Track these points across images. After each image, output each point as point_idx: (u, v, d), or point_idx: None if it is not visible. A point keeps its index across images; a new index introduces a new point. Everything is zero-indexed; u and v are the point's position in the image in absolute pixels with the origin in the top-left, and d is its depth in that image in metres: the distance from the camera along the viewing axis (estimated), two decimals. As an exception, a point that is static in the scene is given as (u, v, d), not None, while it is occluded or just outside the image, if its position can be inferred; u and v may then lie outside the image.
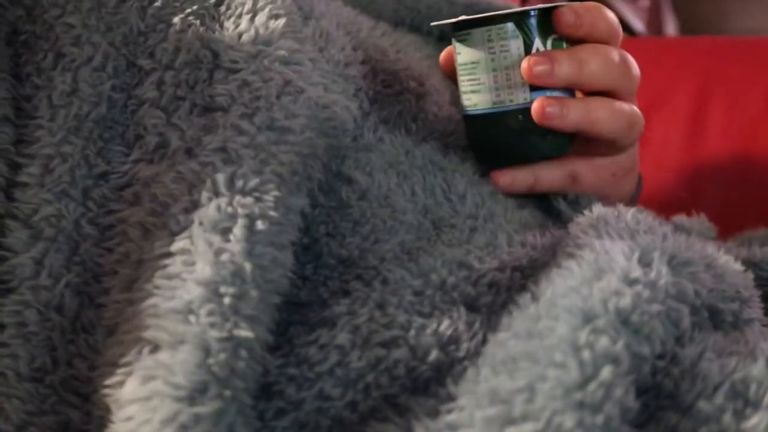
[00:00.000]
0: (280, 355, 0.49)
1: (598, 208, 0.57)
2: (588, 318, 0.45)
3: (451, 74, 0.64)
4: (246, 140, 0.52)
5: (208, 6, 0.58)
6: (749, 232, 0.76)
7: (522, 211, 0.61)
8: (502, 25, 0.60)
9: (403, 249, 0.54)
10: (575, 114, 0.60)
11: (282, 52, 0.56)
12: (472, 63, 0.61)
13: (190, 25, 0.57)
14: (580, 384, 0.43)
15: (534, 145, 0.62)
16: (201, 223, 0.49)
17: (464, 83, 0.62)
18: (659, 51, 1.08)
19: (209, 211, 0.49)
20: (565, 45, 0.61)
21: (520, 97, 0.60)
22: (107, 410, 0.46)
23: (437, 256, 0.54)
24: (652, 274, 0.49)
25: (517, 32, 0.60)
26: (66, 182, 0.53)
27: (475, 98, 0.62)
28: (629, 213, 0.56)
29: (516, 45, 0.60)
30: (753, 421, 0.44)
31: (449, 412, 0.45)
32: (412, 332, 0.49)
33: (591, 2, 0.62)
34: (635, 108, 0.63)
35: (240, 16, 0.58)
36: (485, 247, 0.55)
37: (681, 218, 0.73)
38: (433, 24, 0.66)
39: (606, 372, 0.43)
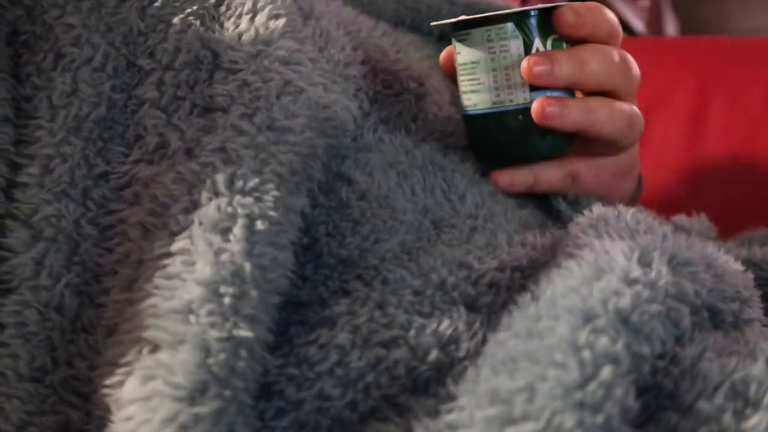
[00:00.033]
0: (280, 355, 0.49)
1: (598, 208, 0.57)
2: (588, 318, 0.45)
3: (451, 74, 0.64)
4: (246, 140, 0.52)
5: (208, 6, 0.58)
6: (749, 232, 0.76)
7: (522, 211, 0.61)
8: (502, 25, 0.60)
9: (403, 249, 0.54)
10: (575, 114, 0.60)
11: (282, 52, 0.56)
12: (472, 63, 0.61)
13: (190, 26, 0.57)
14: (580, 384, 0.43)
15: (534, 145, 0.62)
16: (201, 223, 0.49)
17: (464, 83, 0.62)
18: (659, 51, 1.08)
19: (209, 211, 0.49)
20: (565, 45, 0.61)
21: (520, 97, 0.60)
22: (107, 410, 0.46)
23: (437, 256, 0.54)
24: (652, 274, 0.49)
25: (517, 32, 0.60)
26: (66, 182, 0.53)
27: (475, 98, 0.62)
28: (629, 213, 0.56)
29: (516, 45, 0.60)
30: (753, 421, 0.44)
31: (449, 412, 0.45)
32: (412, 332, 0.49)
33: (591, 2, 0.62)
34: (635, 108, 0.63)
35: (240, 16, 0.58)
36: (485, 247, 0.55)
37: (681, 218, 0.73)
38: (433, 24, 0.66)
39: (606, 372, 0.43)
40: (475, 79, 0.61)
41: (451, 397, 0.46)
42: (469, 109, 0.62)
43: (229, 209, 0.49)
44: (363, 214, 0.55)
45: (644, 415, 0.46)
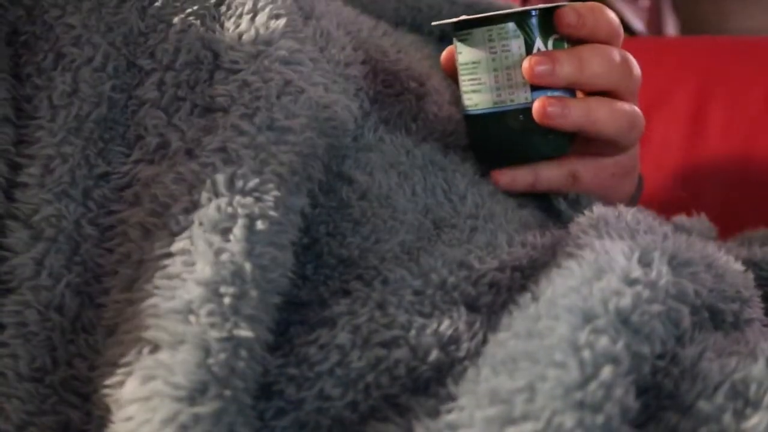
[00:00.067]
0: (280, 355, 0.49)
1: (598, 208, 0.57)
2: (588, 318, 0.45)
3: (451, 74, 0.64)
4: (246, 140, 0.52)
5: (209, 6, 0.58)
6: (749, 232, 0.76)
7: (522, 210, 0.62)
8: (503, 25, 0.60)
9: (403, 249, 0.54)
10: (576, 114, 0.60)
11: (282, 52, 0.56)
12: (473, 63, 0.61)
13: (190, 26, 0.57)
14: (581, 384, 0.43)
15: (535, 145, 0.62)
16: (201, 224, 0.49)
17: (465, 83, 0.62)
18: (659, 51, 1.08)
19: (209, 211, 0.49)
20: (566, 45, 0.61)
21: (521, 96, 0.60)
22: (107, 410, 0.46)
23: (438, 256, 0.54)
24: (653, 274, 0.49)
25: (519, 32, 0.60)
26: (66, 183, 0.53)
27: (476, 98, 0.62)
28: (629, 213, 0.56)
29: (517, 45, 0.60)
30: (753, 421, 0.44)
31: (449, 412, 0.45)
32: (413, 332, 0.49)
33: (592, 2, 0.62)
34: (636, 108, 0.63)
35: (240, 16, 0.58)
36: (485, 247, 0.55)
37: (681, 218, 0.73)
38: (434, 24, 0.66)
39: (606, 372, 0.43)
40: (476, 79, 0.61)
41: (452, 397, 0.46)
42: (470, 108, 0.62)
43: (230, 209, 0.49)
44: (363, 214, 0.55)
45: (644, 415, 0.46)
